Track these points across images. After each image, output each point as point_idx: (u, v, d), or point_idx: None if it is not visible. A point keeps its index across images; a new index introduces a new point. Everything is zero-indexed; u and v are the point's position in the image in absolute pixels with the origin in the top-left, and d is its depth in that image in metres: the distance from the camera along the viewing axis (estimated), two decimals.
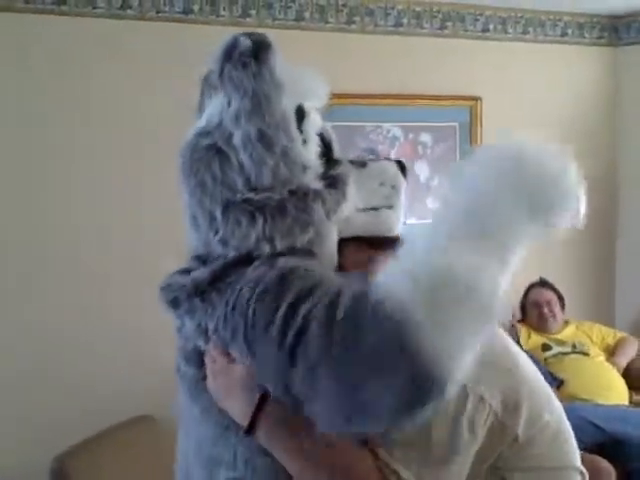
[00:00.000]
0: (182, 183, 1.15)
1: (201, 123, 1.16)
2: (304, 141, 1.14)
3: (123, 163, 3.00)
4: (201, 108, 1.20)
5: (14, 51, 2.84)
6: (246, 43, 1.09)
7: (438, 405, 0.87)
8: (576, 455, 1.19)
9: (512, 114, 3.98)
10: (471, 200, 0.92)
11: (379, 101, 3.60)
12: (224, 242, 1.10)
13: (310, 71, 1.22)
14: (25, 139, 2.89)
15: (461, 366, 0.85)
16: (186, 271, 1.16)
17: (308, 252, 1.11)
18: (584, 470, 1.20)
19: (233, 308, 1.04)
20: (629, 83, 4.26)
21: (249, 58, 1.08)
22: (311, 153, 1.15)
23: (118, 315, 2.95)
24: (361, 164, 1.29)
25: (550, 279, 3.89)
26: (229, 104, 1.10)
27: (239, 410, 1.07)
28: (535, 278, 3.87)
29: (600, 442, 2.98)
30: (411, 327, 0.83)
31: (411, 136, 3.73)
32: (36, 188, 2.93)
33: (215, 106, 1.14)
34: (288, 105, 1.13)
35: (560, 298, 3.83)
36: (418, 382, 0.84)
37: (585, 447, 2.91)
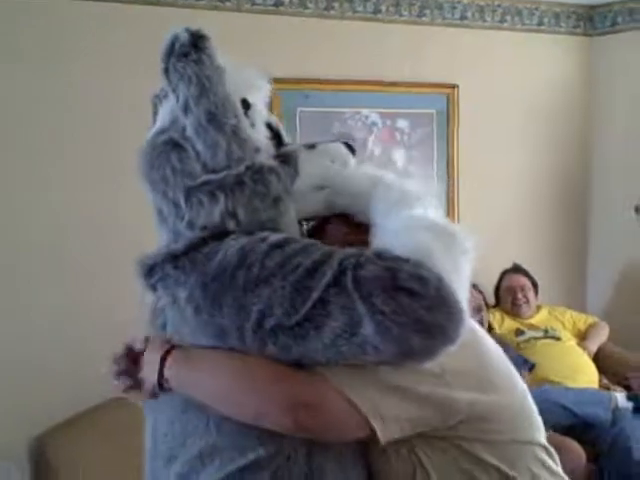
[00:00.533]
0: (144, 182, 1.23)
1: (156, 126, 1.25)
2: (252, 125, 1.22)
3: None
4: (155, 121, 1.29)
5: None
6: (184, 35, 1.16)
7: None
8: (540, 432, 1.25)
9: (488, 101, 4.03)
10: None
11: (358, 87, 3.61)
12: (191, 225, 1.17)
13: (252, 67, 1.29)
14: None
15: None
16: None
17: (273, 230, 1.16)
18: (549, 447, 1.26)
19: (221, 270, 1.10)
20: (603, 72, 4.31)
21: (189, 48, 1.15)
22: (260, 136, 1.23)
23: (99, 297, 2.96)
24: (310, 146, 1.35)
25: (523, 265, 3.95)
26: (178, 98, 1.17)
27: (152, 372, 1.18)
28: (509, 264, 3.93)
29: (570, 424, 3.06)
30: (440, 273, 1.03)
31: (389, 122, 3.76)
32: (18, 183, 2.93)
33: (166, 108, 1.24)
34: (232, 93, 1.20)
35: (533, 284, 3.89)
36: (453, 311, 1.03)
37: (556, 429, 3.01)
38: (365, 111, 3.68)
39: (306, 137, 3.46)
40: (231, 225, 1.15)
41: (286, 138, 1.32)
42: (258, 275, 1.08)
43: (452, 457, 1.16)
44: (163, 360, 1.17)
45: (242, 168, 1.16)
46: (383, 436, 1.09)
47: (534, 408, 1.27)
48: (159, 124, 1.24)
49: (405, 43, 3.75)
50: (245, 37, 3.17)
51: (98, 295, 2.97)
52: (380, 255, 1.05)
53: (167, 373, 1.16)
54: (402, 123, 3.81)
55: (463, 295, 1.05)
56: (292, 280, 1.06)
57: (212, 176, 1.15)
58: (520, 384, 1.27)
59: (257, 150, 1.20)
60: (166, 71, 1.17)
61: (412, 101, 3.82)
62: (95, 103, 3.01)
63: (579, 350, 3.62)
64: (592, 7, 4.25)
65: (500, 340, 3.50)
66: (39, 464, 1.72)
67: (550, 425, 2.97)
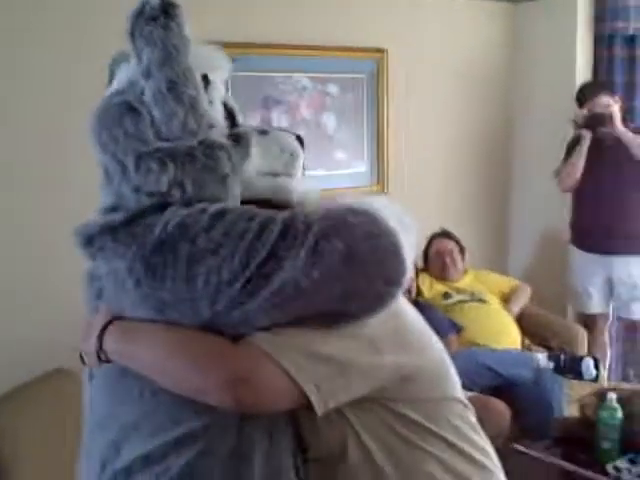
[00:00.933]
0: (94, 141, 1.21)
1: (112, 88, 1.24)
2: (210, 102, 1.22)
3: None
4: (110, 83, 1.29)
5: None
6: (155, 1, 1.15)
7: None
8: (456, 388, 1.31)
9: (417, 66, 4.07)
10: None
11: (288, 51, 3.57)
12: (137, 189, 1.16)
13: (212, 46, 1.31)
14: None
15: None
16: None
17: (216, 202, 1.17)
18: (465, 401, 1.31)
19: (162, 243, 1.11)
20: (526, 38, 4.41)
21: (158, 12, 1.14)
22: (217, 114, 1.23)
23: (36, 267, 2.87)
24: (262, 131, 1.35)
25: (450, 230, 4.03)
26: (140, 60, 1.16)
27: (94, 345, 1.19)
28: (435, 229, 4.01)
29: (496, 385, 3.18)
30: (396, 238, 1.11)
31: (320, 87, 3.74)
32: None
33: (124, 70, 1.23)
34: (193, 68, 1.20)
35: (461, 248, 3.97)
36: (401, 266, 1.11)
37: (482, 389, 3.12)
38: (296, 75, 3.65)
39: (237, 102, 3.41)
40: (177, 195, 1.15)
41: (240, 119, 1.32)
42: (205, 247, 1.09)
43: (379, 417, 1.19)
44: (102, 331, 1.18)
45: (194, 142, 1.16)
46: (319, 407, 1.11)
47: (450, 364, 1.32)
48: (115, 86, 1.23)
49: (335, 7, 3.72)
50: None
51: (38, 263, 2.88)
52: (329, 210, 1.12)
53: (105, 345, 1.17)
54: (332, 88, 3.80)
55: (409, 256, 1.13)
56: (242, 246, 1.08)
57: (164, 144, 1.15)
58: (436, 343, 1.32)
59: (211, 127, 1.20)
60: (132, 33, 1.16)
61: (342, 65, 3.81)
62: None
63: (503, 312, 3.74)
64: None
65: (428, 304, 3.61)
66: None
67: (477, 386, 3.10)
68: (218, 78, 1.28)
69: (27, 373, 2.28)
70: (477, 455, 1.26)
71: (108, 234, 1.16)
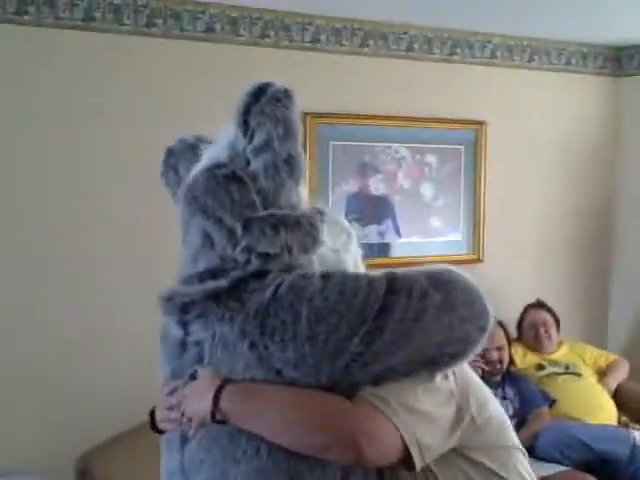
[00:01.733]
0: (194, 208, 1.30)
1: (205, 162, 1.34)
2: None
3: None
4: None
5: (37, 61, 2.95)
6: (278, 85, 1.27)
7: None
8: (516, 438, 1.41)
9: (516, 138, 4.12)
10: None
11: (388, 122, 3.72)
12: (249, 249, 1.24)
13: None
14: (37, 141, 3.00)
15: None
16: (188, 284, 1.29)
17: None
18: (524, 450, 1.41)
19: (277, 305, 1.19)
20: (629, 113, 4.39)
21: (282, 95, 1.26)
22: (304, 192, 1.35)
23: (136, 316, 2.99)
24: (320, 212, 1.42)
25: (545, 300, 4.01)
26: (251, 137, 1.26)
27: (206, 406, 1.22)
28: (531, 299, 3.99)
29: (588, 460, 3.10)
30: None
31: (418, 157, 3.86)
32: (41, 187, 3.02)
33: (219, 146, 1.34)
34: None
35: (556, 319, 3.92)
36: (489, 316, 1.27)
37: (574, 464, 3.06)
38: (395, 145, 3.78)
39: (338, 169, 3.58)
40: (286, 259, 1.25)
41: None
42: (323, 305, 1.18)
43: (459, 467, 1.29)
44: (218, 393, 1.21)
45: (299, 212, 1.28)
46: (418, 462, 1.21)
47: (508, 420, 1.42)
48: (212, 160, 1.32)
49: (436, 81, 3.86)
50: (283, 72, 3.26)
51: (136, 312, 3.01)
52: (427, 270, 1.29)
53: (224, 406, 1.20)
54: (431, 158, 3.90)
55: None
56: (357, 302, 1.19)
57: (277, 211, 1.26)
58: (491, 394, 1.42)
59: (301, 202, 1.33)
60: (247, 111, 1.26)
61: (441, 136, 3.91)
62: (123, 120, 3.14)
63: (599, 387, 3.66)
64: (619, 48, 4.34)
65: (521, 375, 3.59)
66: None
67: (570, 460, 3.04)
68: None
69: (122, 424, 2.41)
70: None
71: (212, 300, 1.23)
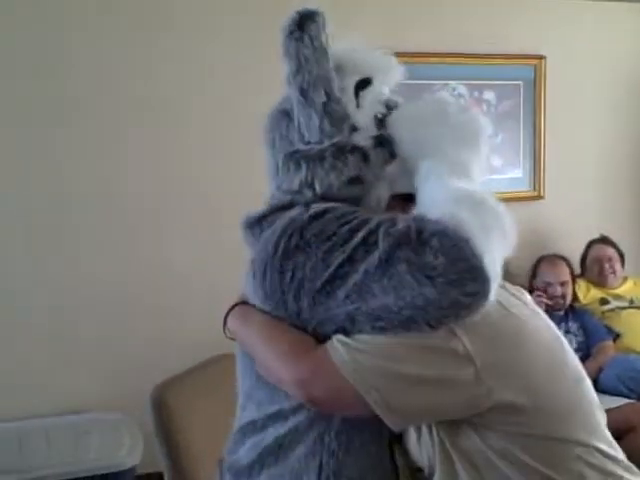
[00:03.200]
0: (264, 142, 1.35)
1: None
2: (358, 105, 1.30)
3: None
4: None
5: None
6: (294, 16, 1.25)
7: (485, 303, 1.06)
8: (591, 433, 1.19)
9: (576, 73, 4.03)
10: None
11: (445, 59, 3.69)
12: (279, 187, 1.30)
13: (381, 51, 1.37)
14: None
15: (497, 271, 1.07)
16: None
17: (352, 203, 1.24)
18: (604, 448, 1.19)
19: (268, 240, 1.21)
20: None
21: (294, 27, 1.25)
22: (364, 117, 1.30)
23: (216, 258, 3.21)
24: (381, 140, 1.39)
25: (609, 236, 3.96)
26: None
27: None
28: (593, 235, 3.94)
29: None
30: (472, 244, 1.05)
31: (476, 94, 3.81)
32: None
33: None
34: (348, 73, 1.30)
35: (620, 255, 3.87)
36: (480, 279, 1.04)
37: (639, 396, 3.05)
38: (453, 83, 3.74)
39: None
40: (308, 194, 1.25)
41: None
42: (296, 244, 1.17)
43: (477, 444, 1.16)
44: (228, 312, 1.33)
45: (327, 144, 1.25)
46: (386, 418, 1.11)
47: (590, 409, 1.22)
48: (283, 96, 1.35)
49: (493, 15, 3.79)
50: (338, 11, 3.25)
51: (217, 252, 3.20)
52: (414, 218, 1.11)
53: (230, 325, 1.32)
54: (489, 94, 3.85)
55: (493, 267, 1.04)
56: (326, 248, 1.14)
57: (302, 146, 1.27)
58: (573, 379, 1.22)
59: (354, 129, 1.28)
60: (283, 48, 1.28)
61: (499, 72, 3.86)
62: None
63: None
64: None
65: (584, 310, 3.58)
66: (159, 410, 1.89)
67: (634, 393, 3.04)
68: (381, 81, 1.36)
69: (200, 357, 2.53)
70: None
71: (248, 227, 1.31)
